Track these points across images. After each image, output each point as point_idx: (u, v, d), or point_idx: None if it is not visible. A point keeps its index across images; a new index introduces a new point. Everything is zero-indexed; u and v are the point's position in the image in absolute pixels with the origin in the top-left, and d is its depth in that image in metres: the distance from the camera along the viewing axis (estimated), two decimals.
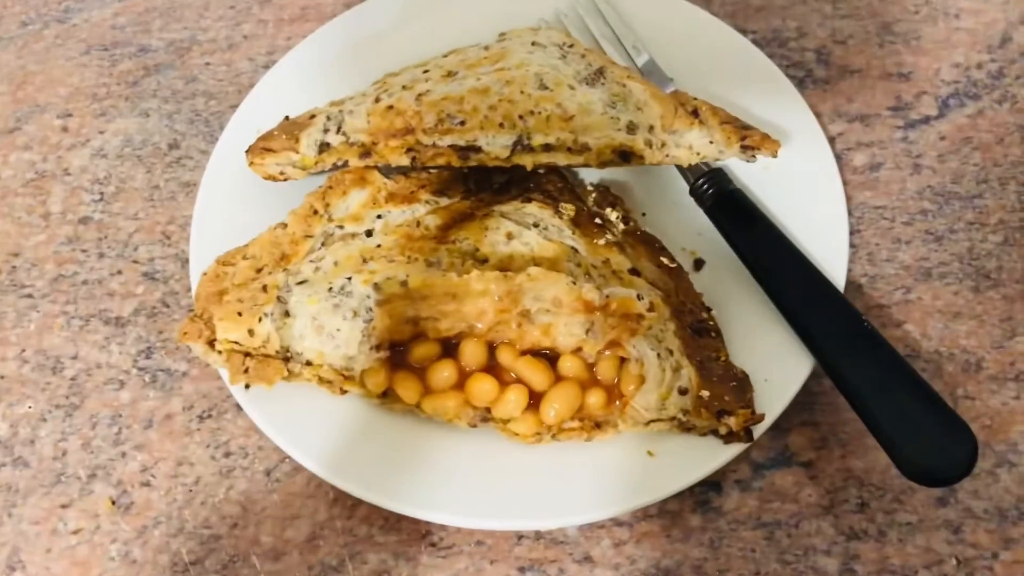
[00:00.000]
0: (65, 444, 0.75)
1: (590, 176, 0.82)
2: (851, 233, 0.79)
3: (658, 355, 0.66)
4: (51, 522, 0.72)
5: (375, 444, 0.69)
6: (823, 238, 0.76)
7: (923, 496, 0.70)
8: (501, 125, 0.72)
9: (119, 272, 0.83)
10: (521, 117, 0.72)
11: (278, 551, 0.70)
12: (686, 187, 0.79)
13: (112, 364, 0.78)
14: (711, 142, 0.72)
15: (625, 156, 0.73)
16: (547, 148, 0.73)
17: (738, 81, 0.85)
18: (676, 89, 0.81)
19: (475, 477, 0.67)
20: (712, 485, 0.71)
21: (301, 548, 0.70)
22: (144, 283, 0.82)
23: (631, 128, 0.72)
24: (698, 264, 0.77)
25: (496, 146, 0.73)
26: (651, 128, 0.73)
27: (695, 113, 0.73)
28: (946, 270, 0.79)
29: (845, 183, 0.82)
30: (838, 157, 0.84)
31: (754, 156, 0.72)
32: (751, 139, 0.71)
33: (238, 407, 0.75)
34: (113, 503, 0.72)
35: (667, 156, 0.73)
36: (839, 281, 0.73)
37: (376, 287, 0.67)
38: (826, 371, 0.68)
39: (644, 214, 0.80)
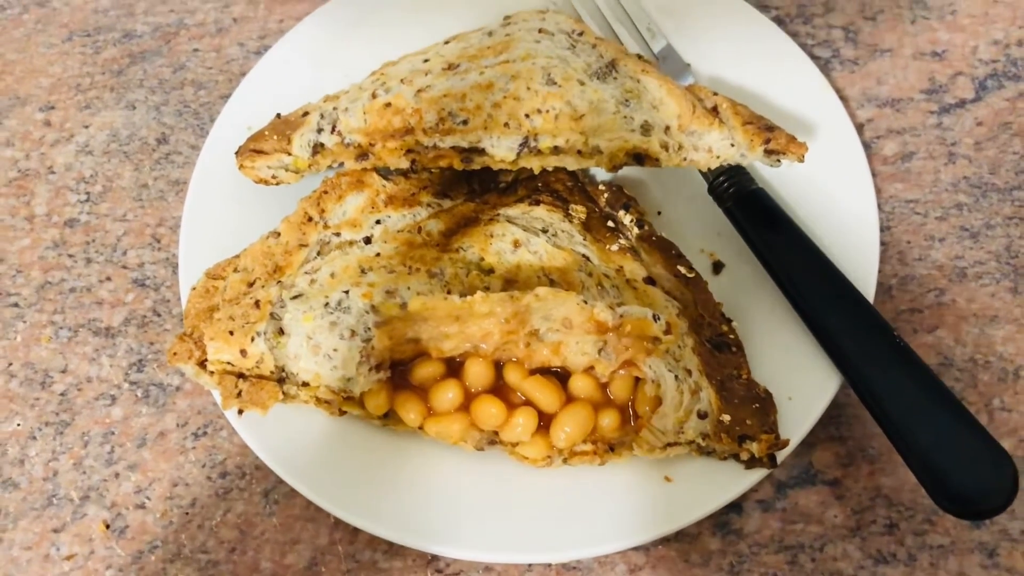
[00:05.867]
0: (56, 464, 0.72)
1: (602, 173, 0.77)
2: (881, 230, 0.74)
3: (675, 376, 0.62)
4: (43, 547, 0.69)
5: (377, 470, 0.66)
6: (851, 239, 0.71)
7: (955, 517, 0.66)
8: (506, 125, 0.67)
9: (108, 279, 0.79)
10: (528, 116, 0.67)
11: None
12: (704, 184, 0.74)
13: (103, 378, 0.75)
14: (732, 144, 0.66)
15: (639, 159, 0.68)
16: (556, 151, 0.67)
17: (758, 64, 0.79)
18: (694, 81, 0.75)
19: (483, 506, 0.64)
20: (732, 506, 0.67)
21: (302, 575, 0.67)
22: (134, 290, 0.78)
23: (646, 129, 0.67)
24: (717, 267, 0.73)
25: (501, 148, 0.68)
26: (667, 129, 0.67)
27: (715, 110, 0.68)
28: (982, 270, 0.74)
29: (874, 174, 0.77)
30: (867, 146, 0.79)
31: (779, 161, 0.66)
32: (776, 142, 0.65)
33: None
34: (107, 527, 0.69)
35: (684, 159, 0.67)
36: (869, 287, 0.69)
37: (374, 309, 0.63)
38: (855, 391, 0.64)
39: (659, 213, 0.76)
